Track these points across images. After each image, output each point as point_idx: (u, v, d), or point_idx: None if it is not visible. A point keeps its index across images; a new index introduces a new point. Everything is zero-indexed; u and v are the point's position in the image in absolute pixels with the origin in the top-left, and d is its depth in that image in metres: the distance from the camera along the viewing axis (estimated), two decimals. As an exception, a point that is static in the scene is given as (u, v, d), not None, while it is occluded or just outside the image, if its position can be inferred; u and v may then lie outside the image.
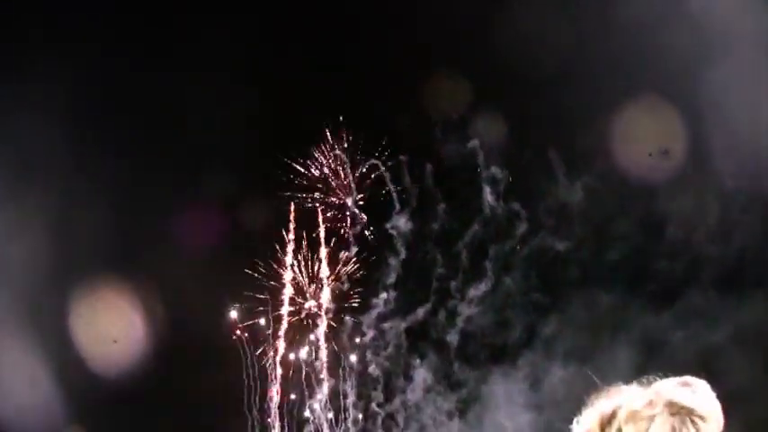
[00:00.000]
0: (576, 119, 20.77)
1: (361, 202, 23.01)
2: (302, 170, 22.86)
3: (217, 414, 21.67)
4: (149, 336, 21.44)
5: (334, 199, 23.03)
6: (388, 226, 22.63)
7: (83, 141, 20.46)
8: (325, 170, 23.00)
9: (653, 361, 19.93)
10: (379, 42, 21.31)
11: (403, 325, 22.45)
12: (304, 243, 22.70)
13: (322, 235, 22.82)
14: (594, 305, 21.41)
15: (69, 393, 20.98)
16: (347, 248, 22.83)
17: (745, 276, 20.79)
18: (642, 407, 3.14)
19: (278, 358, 22.38)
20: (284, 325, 22.48)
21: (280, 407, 22.31)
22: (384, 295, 22.43)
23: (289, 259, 22.62)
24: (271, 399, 22.20)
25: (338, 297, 22.81)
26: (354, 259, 22.82)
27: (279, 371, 22.37)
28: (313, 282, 22.71)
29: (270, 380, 22.28)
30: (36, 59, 20.45)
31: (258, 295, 22.38)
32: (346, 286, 22.72)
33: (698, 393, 3.18)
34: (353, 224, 22.94)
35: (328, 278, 22.76)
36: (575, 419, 3.30)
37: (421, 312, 22.39)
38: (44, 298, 20.83)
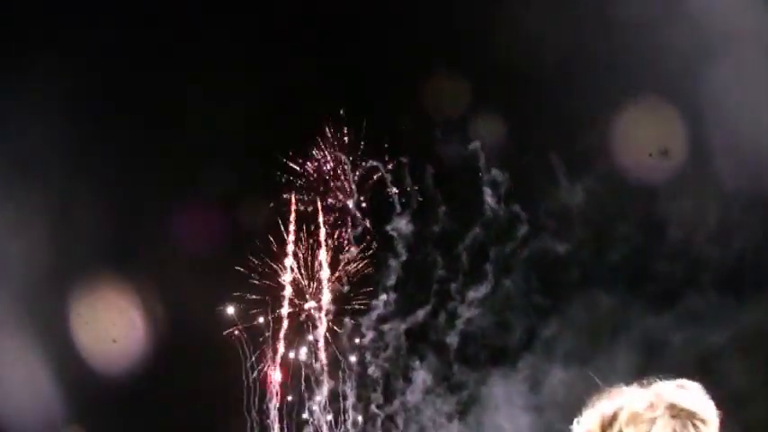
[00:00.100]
0: (576, 119, 20.77)
1: (363, 204, 23.00)
2: (302, 171, 22.86)
3: (216, 414, 21.68)
4: (149, 335, 21.43)
5: (333, 201, 23.02)
6: (388, 228, 22.64)
7: (83, 141, 20.45)
8: (326, 171, 22.99)
9: (653, 362, 19.92)
10: (379, 42, 21.30)
11: (403, 326, 22.45)
12: (303, 243, 22.70)
13: (322, 236, 22.82)
14: (594, 307, 21.41)
15: (68, 393, 20.98)
16: (347, 250, 22.83)
17: (745, 277, 20.78)
18: (643, 409, 3.13)
19: (278, 359, 22.38)
20: (284, 326, 22.47)
21: (279, 408, 22.30)
22: (384, 297, 22.44)
23: (288, 260, 22.61)
24: (270, 400, 22.19)
25: (338, 298, 22.81)
26: (355, 261, 22.82)
27: (278, 372, 22.36)
28: (313, 281, 22.70)
29: (269, 381, 22.27)
30: (36, 59, 20.44)
31: (257, 296, 22.37)
32: (346, 288, 22.71)
33: (698, 396, 3.18)
34: (354, 226, 22.94)
35: (329, 279, 22.76)
36: (575, 420, 3.29)
37: (421, 314, 22.38)
38: (43, 297, 20.83)
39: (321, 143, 22.87)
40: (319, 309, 22.67)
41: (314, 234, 22.82)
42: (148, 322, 21.52)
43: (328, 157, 22.95)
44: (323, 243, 22.82)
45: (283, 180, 22.72)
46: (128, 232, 21.61)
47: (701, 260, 20.87)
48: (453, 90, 21.89)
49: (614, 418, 3.15)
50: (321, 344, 22.63)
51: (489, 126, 22.11)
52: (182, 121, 21.30)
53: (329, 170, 22.98)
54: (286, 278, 22.60)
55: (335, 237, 22.90)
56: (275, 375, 22.34)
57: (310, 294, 22.69)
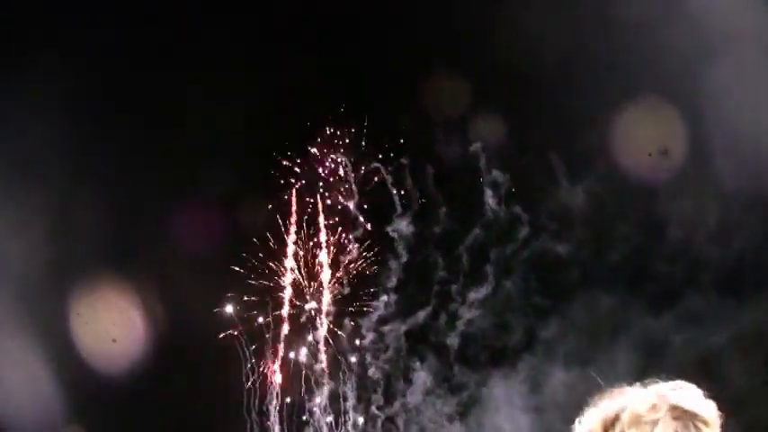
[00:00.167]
0: (576, 119, 20.76)
1: (365, 206, 22.98)
2: (302, 171, 22.83)
3: (216, 415, 21.66)
4: (148, 335, 21.42)
5: (332, 202, 23.00)
6: (389, 229, 22.62)
7: (83, 141, 20.44)
8: (325, 171, 22.97)
9: (654, 363, 19.91)
10: (379, 42, 21.29)
11: (403, 327, 22.44)
12: (303, 244, 22.68)
13: (323, 237, 22.80)
14: (595, 307, 21.39)
15: (68, 392, 20.96)
16: (348, 251, 22.81)
17: (745, 277, 20.77)
18: (646, 411, 3.12)
19: (278, 360, 22.36)
20: (284, 327, 22.46)
21: (279, 409, 22.28)
22: (385, 298, 22.42)
23: (289, 261, 22.59)
24: (270, 401, 22.17)
25: (338, 299, 22.79)
26: (355, 262, 22.80)
27: (278, 373, 22.34)
28: (314, 282, 22.69)
29: (269, 382, 22.26)
30: (36, 59, 20.43)
31: (257, 297, 22.35)
32: (347, 290, 22.69)
33: (700, 397, 3.17)
34: (354, 227, 22.92)
35: (329, 281, 22.74)
36: (576, 420, 3.28)
37: (421, 315, 22.37)
38: (43, 297, 20.82)
39: (321, 143, 22.87)
40: (319, 310, 22.66)
41: (314, 235, 22.82)
42: (148, 322, 21.50)
43: (328, 158, 22.94)
44: (323, 244, 22.81)
45: (283, 181, 22.72)
46: (128, 232, 21.59)
47: (701, 260, 20.86)
48: (453, 90, 21.88)
49: (616, 419, 3.15)
50: (321, 345, 22.62)
51: (489, 126, 22.10)
52: (182, 121, 21.29)
53: (329, 170, 22.97)
54: (286, 279, 22.59)
55: (336, 237, 22.89)
56: (275, 376, 22.33)
57: (310, 295, 22.69)
